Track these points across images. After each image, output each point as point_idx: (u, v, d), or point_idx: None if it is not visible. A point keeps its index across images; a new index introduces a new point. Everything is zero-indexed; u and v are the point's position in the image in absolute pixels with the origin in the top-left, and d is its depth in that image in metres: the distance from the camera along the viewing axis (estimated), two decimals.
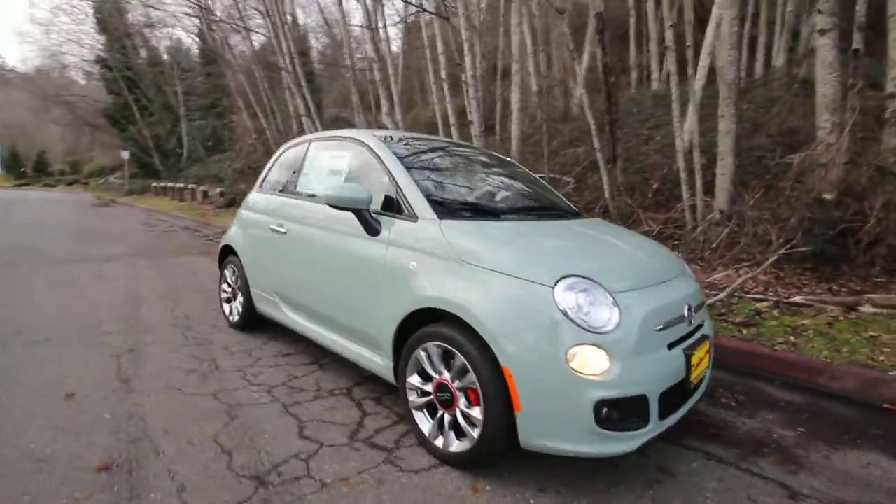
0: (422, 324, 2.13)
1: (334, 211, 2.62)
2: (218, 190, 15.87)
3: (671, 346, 1.96)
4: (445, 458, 2.04)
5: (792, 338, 3.32)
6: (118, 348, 3.31)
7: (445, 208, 2.27)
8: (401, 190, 2.36)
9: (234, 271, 3.73)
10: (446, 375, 2.04)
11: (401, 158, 2.51)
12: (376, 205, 2.40)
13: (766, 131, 6.70)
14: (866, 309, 3.74)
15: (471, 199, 2.50)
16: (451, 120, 8.56)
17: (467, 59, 7.51)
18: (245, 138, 20.89)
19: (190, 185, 18.16)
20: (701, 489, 1.92)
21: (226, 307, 3.91)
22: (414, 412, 2.19)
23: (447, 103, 8.69)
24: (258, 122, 17.77)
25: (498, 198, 2.69)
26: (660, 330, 1.91)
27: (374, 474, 1.98)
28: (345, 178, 2.77)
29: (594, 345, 1.76)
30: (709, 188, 5.82)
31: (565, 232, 2.44)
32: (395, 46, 14.82)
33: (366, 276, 2.40)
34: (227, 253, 3.86)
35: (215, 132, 24.66)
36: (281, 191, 3.34)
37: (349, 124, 14.71)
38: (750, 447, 2.23)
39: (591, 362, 1.74)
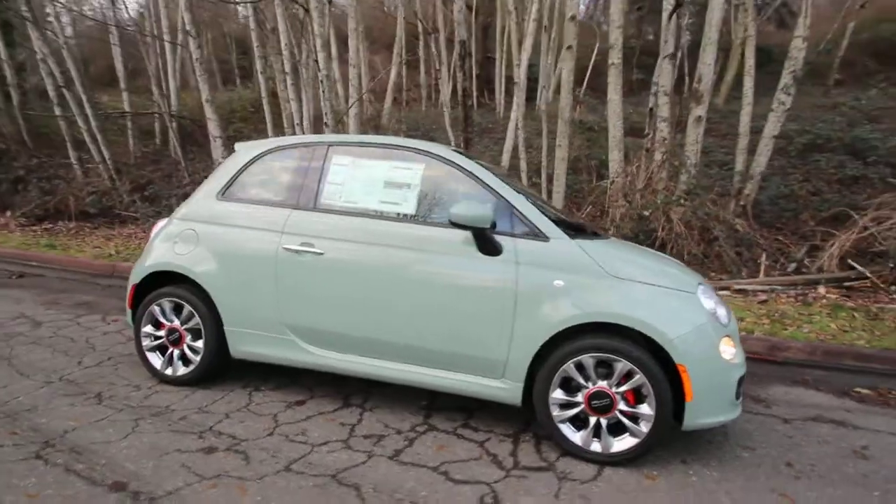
0: (559, 340, 2.23)
1: (425, 229, 2.43)
2: None
3: None
4: (606, 460, 2.21)
5: None
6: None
7: (558, 226, 2.40)
8: (517, 210, 2.36)
9: (180, 308, 2.81)
10: (602, 383, 2.21)
11: (500, 177, 2.49)
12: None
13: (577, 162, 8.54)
14: None
15: (551, 216, 2.65)
16: (297, 119, 7.88)
17: (321, 57, 7.11)
18: None
19: None
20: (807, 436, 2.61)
21: (155, 358, 2.89)
22: (560, 426, 2.26)
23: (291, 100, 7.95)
24: None
25: (552, 213, 2.85)
26: None
27: (568, 493, 2.00)
28: (417, 193, 2.53)
29: (727, 335, 2.25)
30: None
31: (638, 248, 2.88)
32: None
33: (487, 297, 2.31)
34: (158, 283, 2.87)
35: None
36: (280, 202, 2.73)
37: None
38: None
39: (728, 350, 2.22)
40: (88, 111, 8.65)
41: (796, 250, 6.14)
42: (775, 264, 6.04)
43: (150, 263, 2.88)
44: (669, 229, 6.32)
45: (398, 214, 2.53)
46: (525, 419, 2.58)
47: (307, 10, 6.61)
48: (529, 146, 8.51)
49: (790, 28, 15.43)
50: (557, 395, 2.26)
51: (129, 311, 2.99)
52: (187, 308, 2.80)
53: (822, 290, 5.19)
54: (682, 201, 6.02)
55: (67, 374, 2.98)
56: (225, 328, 2.74)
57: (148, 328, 2.90)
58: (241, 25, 16.77)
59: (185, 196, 8.26)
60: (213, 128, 7.65)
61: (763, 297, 5.09)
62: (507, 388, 2.35)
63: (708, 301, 2.27)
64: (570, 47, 6.35)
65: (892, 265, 5.20)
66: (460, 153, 2.63)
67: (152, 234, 3.04)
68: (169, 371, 2.87)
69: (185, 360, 2.86)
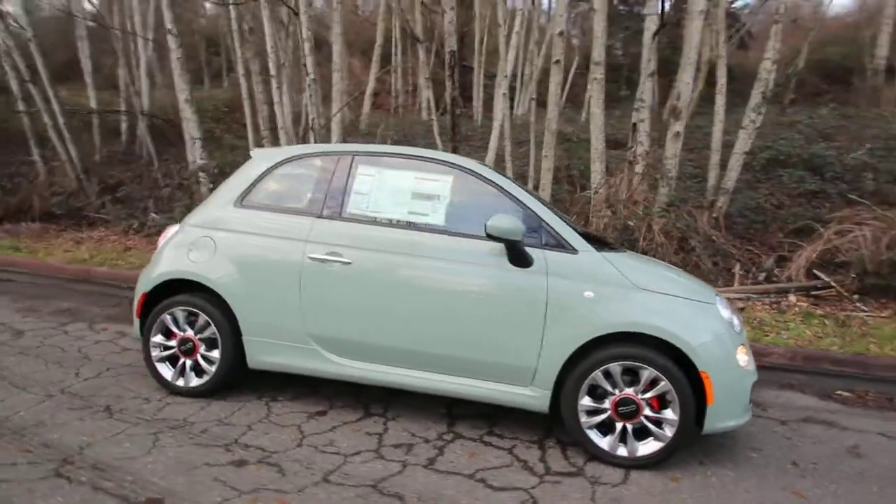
0: (588, 349, 2.32)
1: (455, 240, 2.48)
2: None
3: None
4: (632, 464, 2.31)
5: None
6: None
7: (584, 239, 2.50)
8: (546, 223, 2.45)
9: (194, 317, 2.74)
10: (628, 390, 2.31)
11: (527, 191, 2.57)
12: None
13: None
14: None
15: (577, 229, 2.72)
16: (280, 123, 7.75)
17: (309, 61, 7.04)
18: None
19: None
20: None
21: (165, 369, 2.80)
22: (587, 432, 2.35)
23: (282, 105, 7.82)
24: None
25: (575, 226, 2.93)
26: None
27: (602, 496, 2.09)
28: (446, 205, 2.57)
29: (741, 344, 2.40)
30: None
31: (653, 260, 3.01)
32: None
33: (519, 307, 2.38)
34: (169, 292, 2.79)
35: None
36: (303, 211, 2.71)
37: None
38: None
39: (742, 357, 2.37)
40: (56, 107, 8.22)
41: (765, 260, 6.51)
42: (747, 274, 6.40)
43: (162, 271, 2.79)
44: (651, 239, 6.60)
45: (428, 225, 2.57)
46: (545, 425, 2.65)
47: (296, 14, 6.54)
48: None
49: (748, 48, 16.41)
50: (585, 402, 2.34)
51: (136, 321, 2.88)
52: (202, 317, 2.74)
53: (792, 298, 5.53)
54: (663, 212, 6.28)
55: (68, 387, 2.84)
56: (243, 338, 2.69)
57: (158, 338, 2.81)
58: (212, 24, 16.36)
59: (161, 199, 8.06)
60: (192, 129, 7.43)
61: (741, 304, 5.38)
62: (536, 396, 2.41)
63: (725, 311, 2.41)
64: (557, 61, 6.54)
65: (853, 275, 5.60)
66: (487, 167, 2.69)
67: (162, 242, 2.95)
68: (181, 382, 2.79)
69: (199, 371, 2.79)
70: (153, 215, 7.22)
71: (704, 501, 2.11)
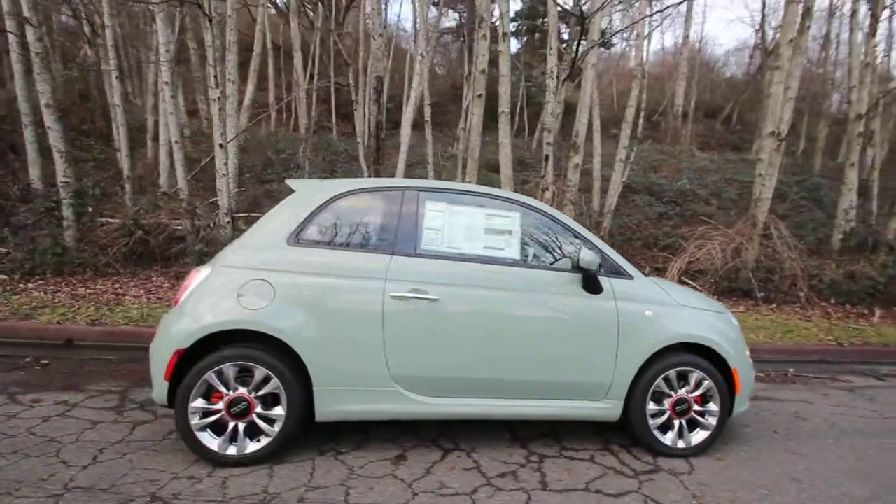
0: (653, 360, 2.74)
1: (530, 272, 2.69)
2: None
3: None
4: (690, 453, 2.76)
5: None
6: None
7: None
8: (606, 254, 2.78)
9: (248, 372, 2.41)
10: (682, 391, 2.77)
11: (583, 226, 2.87)
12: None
13: None
14: None
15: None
16: (174, 136, 6.76)
17: (218, 70, 6.36)
18: None
19: None
20: None
21: (208, 438, 2.39)
22: (655, 432, 2.73)
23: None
24: None
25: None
26: None
27: (690, 484, 2.48)
28: (518, 239, 2.73)
29: (746, 345, 3.05)
30: None
31: (668, 281, 3.53)
32: None
33: (597, 330, 2.66)
34: (210, 347, 2.41)
35: None
36: (373, 248, 2.60)
37: None
38: None
39: (747, 353, 3.02)
40: None
41: (647, 272, 7.90)
42: None
43: (208, 322, 2.39)
44: None
45: (504, 259, 2.70)
46: (597, 434, 2.97)
47: (210, 20, 5.89)
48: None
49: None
50: (651, 407, 2.73)
51: (162, 386, 2.40)
52: (260, 371, 2.42)
53: None
54: None
55: (69, 480, 2.23)
56: (314, 388, 2.46)
57: (198, 402, 2.39)
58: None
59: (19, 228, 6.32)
60: (56, 139, 6.07)
61: None
62: (608, 407, 2.72)
63: (734, 319, 3.04)
64: (480, 95, 7.07)
65: (712, 280, 7.18)
66: (544, 205, 2.93)
67: (191, 287, 2.51)
68: (231, 450, 2.41)
69: (254, 434, 2.45)
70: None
71: (750, 468, 2.66)
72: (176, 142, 7.09)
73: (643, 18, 10.23)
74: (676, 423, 2.77)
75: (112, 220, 6.46)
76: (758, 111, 17.43)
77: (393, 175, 8.03)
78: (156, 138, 8.67)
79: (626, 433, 2.92)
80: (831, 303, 6.84)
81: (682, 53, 15.39)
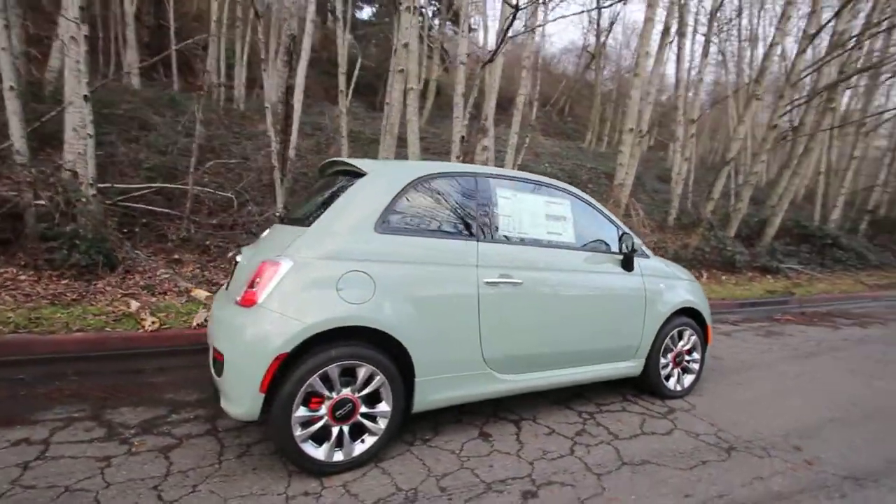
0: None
1: (584, 254, 3.03)
2: None
3: None
4: (685, 394, 3.45)
5: None
6: None
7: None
8: (630, 236, 3.22)
9: (350, 372, 2.23)
10: (680, 345, 3.43)
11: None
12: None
13: None
14: None
15: None
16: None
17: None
18: None
19: None
20: None
21: (312, 449, 2.16)
22: (665, 382, 3.34)
23: None
24: None
25: None
26: None
27: (701, 418, 3.13)
28: (572, 225, 2.98)
29: None
30: None
31: None
32: None
33: (631, 301, 3.11)
34: (309, 350, 2.15)
35: None
36: (457, 235, 2.57)
37: None
38: None
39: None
40: None
41: None
42: None
43: (313, 321, 2.10)
44: None
45: (564, 243, 2.94)
46: (611, 389, 3.48)
47: None
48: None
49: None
50: (662, 360, 3.33)
51: (256, 399, 2.06)
52: (365, 369, 2.25)
53: None
54: None
55: None
56: (416, 380, 2.38)
57: (301, 411, 2.13)
58: None
59: None
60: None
61: None
62: (635, 365, 3.24)
63: (697, 283, 3.82)
64: (401, 70, 6.91)
65: None
66: (585, 194, 3.22)
67: (272, 282, 2.15)
68: (338, 456, 2.21)
69: (358, 435, 2.28)
70: None
71: (731, 405, 3.45)
72: (11, 87, 5.38)
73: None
74: (675, 371, 3.43)
75: None
76: (587, 106, 20.37)
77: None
78: None
79: (628, 385, 3.50)
80: None
81: (530, 43, 16.99)
